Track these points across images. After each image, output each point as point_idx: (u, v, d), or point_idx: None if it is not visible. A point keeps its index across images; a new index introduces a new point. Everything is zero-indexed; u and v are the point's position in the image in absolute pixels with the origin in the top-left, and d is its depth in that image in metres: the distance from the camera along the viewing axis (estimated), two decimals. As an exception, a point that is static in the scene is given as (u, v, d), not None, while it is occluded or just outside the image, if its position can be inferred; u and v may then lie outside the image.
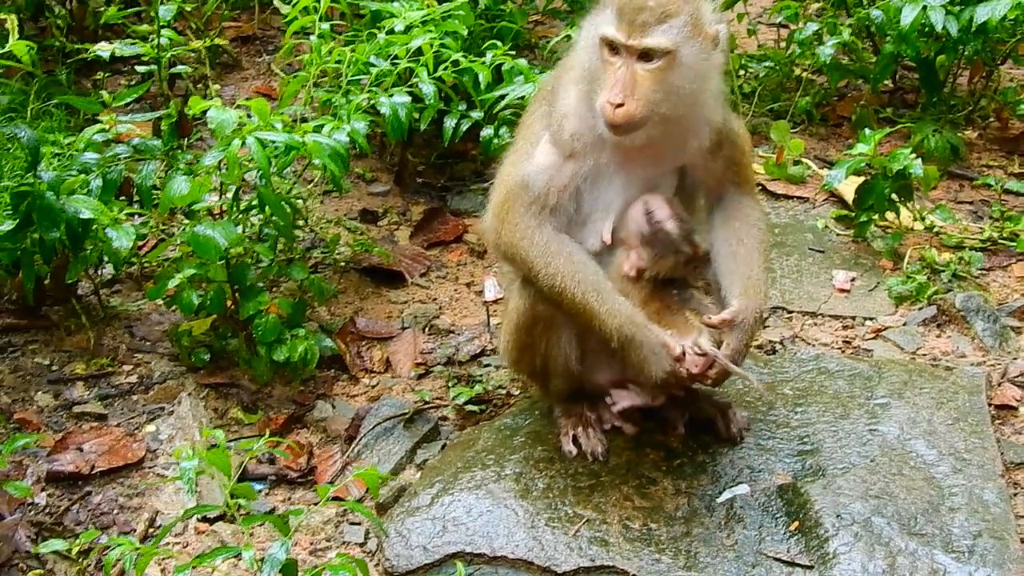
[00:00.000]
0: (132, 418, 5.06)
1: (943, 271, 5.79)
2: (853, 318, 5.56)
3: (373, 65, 5.62)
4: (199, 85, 7.07)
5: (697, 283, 4.35)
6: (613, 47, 4.06)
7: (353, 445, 4.91)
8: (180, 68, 6.48)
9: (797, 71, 7.53)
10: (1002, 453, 4.58)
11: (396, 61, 5.62)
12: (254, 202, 5.16)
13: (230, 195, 5.18)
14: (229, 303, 5.17)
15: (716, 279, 4.36)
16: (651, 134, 4.12)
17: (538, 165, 4.24)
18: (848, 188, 6.19)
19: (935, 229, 6.13)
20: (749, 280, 4.28)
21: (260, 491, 4.73)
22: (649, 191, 4.28)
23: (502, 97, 5.73)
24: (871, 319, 5.55)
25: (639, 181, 4.27)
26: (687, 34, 4.04)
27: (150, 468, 4.82)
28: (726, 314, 4.19)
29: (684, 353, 4.06)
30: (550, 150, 4.24)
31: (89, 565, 4.27)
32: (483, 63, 5.68)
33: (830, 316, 5.58)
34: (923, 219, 6.15)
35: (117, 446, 4.86)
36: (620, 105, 4.01)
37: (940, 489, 4.29)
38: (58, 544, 4.11)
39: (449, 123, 5.94)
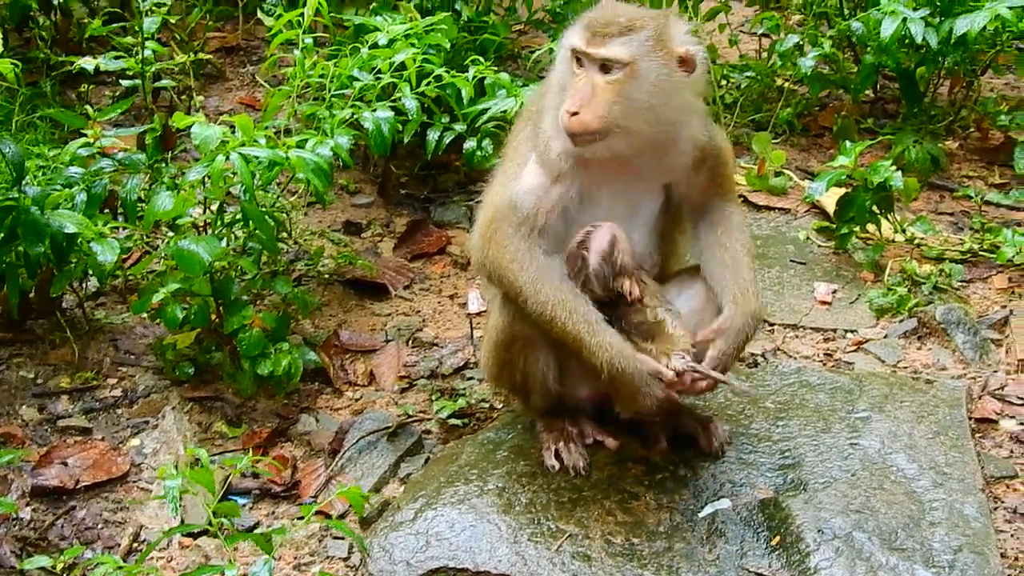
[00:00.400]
0: (116, 432, 5.06)
1: (924, 283, 5.81)
2: (834, 330, 5.58)
3: (356, 79, 5.62)
4: (183, 96, 7.07)
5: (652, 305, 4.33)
6: (579, 59, 4.13)
7: (337, 459, 4.91)
8: (164, 82, 6.49)
9: (779, 81, 7.57)
10: (982, 467, 4.60)
11: (379, 75, 5.63)
12: (238, 216, 5.18)
13: (214, 208, 5.19)
14: (213, 317, 5.19)
15: (711, 286, 4.39)
16: (616, 148, 4.15)
17: (526, 186, 4.26)
18: (829, 200, 6.22)
19: (916, 241, 6.15)
20: (738, 285, 4.30)
21: (244, 505, 4.73)
22: (634, 210, 4.32)
23: (485, 111, 5.74)
24: (852, 332, 5.57)
25: (625, 200, 4.31)
26: (648, 49, 4.08)
27: (134, 482, 4.82)
28: (714, 325, 4.24)
29: (678, 375, 4.11)
30: (538, 171, 4.26)
31: (74, 581, 4.29)
32: (465, 78, 5.70)
33: (811, 328, 5.60)
34: (904, 231, 6.17)
35: (101, 460, 4.86)
36: (576, 114, 4.06)
37: (921, 503, 4.31)
38: (43, 560, 4.11)
39: (432, 136, 5.96)
